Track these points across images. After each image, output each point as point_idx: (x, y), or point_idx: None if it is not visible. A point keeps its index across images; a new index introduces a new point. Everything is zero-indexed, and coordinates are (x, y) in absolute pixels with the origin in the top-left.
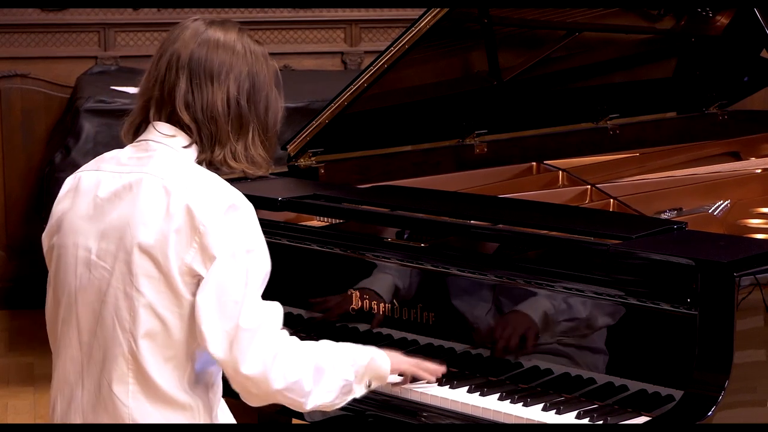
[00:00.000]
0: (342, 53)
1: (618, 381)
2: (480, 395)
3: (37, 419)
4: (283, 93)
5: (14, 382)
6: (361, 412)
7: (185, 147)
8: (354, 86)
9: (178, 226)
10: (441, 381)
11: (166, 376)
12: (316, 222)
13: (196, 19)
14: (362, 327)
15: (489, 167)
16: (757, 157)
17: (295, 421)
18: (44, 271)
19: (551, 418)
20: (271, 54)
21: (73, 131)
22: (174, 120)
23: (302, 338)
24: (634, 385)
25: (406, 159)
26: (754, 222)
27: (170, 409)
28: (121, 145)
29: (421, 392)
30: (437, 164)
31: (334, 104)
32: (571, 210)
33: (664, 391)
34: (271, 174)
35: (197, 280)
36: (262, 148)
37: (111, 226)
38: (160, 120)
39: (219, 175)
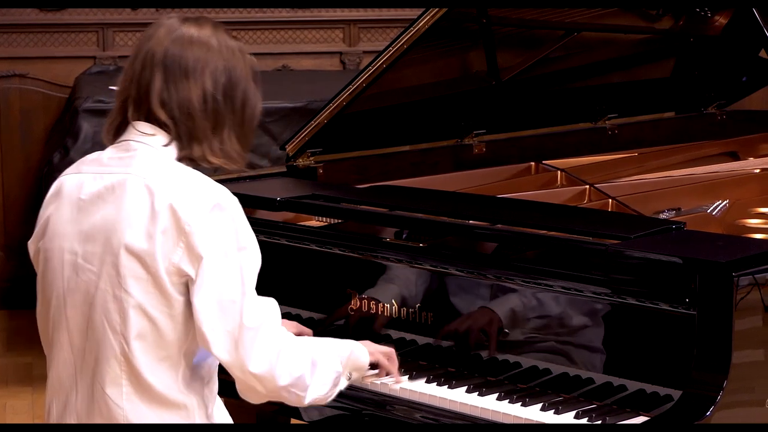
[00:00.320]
0: (340, 53)
1: (616, 381)
2: (478, 395)
3: (36, 419)
4: (282, 93)
5: (12, 382)
6: (358, 412)
7: (165, 145)
8: (352, 86)
9: (164, 227)
10: (440, 381)
11: (160, 376)
12: (314, 222)
13: (171, 17)
14: (361, 327)
15: (487, 167)
16: (755, 157)
17: (293, 421)
18: None
19: (550, 417)
20: (270, 54)
21: (72, 131)
22: (152, 118)
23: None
24: (632, 385)
25: (405, 159)
26: (753, 222)
27: (165, 409)
28: None
29: (419, 392)
30: (436, 164)
31: (333, 104)
32: (570, 210)
33: (663, 391)
34: (269, 174)
35: (186, 280)
36: (237, 143)
37: (95, 227)
38: (139, 119)
39: (201, 171)
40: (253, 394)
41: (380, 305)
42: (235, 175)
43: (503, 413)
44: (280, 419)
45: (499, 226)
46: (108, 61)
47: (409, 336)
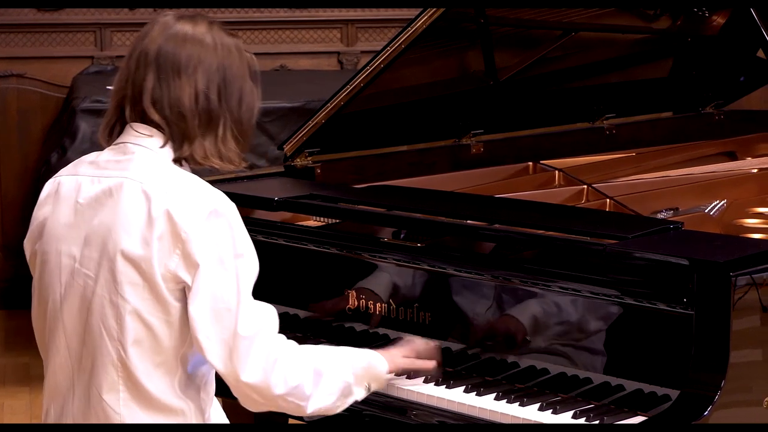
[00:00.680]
0: (338, 53)
1: (614, 381)
2: (476, 395)
3: (33, 419)
4: (280, 93)
5: (10, 383)
6: (358, 412)
7: (161, 147)
8: (350, 86)
9: (160, 233)
10: (438, 380)
11: (157, 382)
12: (312, 222)
13: (167, 15)
14: (359, 327)
15: (485, 167)
16: (753, 156)
17: (291, 421)
18: None
19: (547, 417)
20: (267, 54)
21: (69, 131)
22: (147, 119)
23: (299, 338)
24: (630, 385)
25: (403, 159)
26: (750, 222)
27: (162, 414)
28: None
29: (417, 392)
30: (433, 164)
31: (331, 104)
32: (568, 210)
33: (661, 390)
34: (267, 174)
35: (182, 286)
36: (234, 143)
37: (93, 232)
38: (135, 120)
39: (200, 172)
40: (250, 402)
41: (378, 305)
42: (232, 175)
43: (501, 413)
44: (278, 419)
45: (496, 226)
46: (106, 61)
47: (407, 336)
